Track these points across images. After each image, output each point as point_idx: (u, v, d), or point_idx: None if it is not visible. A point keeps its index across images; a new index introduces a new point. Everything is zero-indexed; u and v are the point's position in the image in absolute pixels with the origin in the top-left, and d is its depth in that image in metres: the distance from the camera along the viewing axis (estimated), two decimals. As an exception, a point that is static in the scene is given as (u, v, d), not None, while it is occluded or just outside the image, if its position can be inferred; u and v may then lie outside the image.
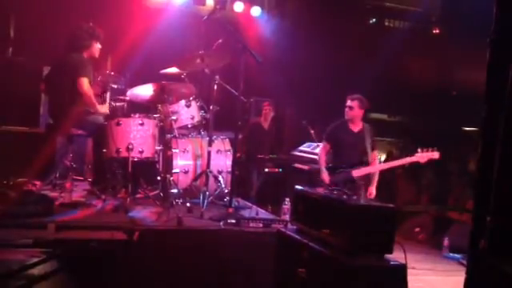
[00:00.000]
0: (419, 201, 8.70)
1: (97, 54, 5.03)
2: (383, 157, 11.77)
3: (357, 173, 5.33)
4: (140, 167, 4.79)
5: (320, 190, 3.67)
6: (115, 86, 5.24)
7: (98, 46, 4.99)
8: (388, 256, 2.89)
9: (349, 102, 5.55)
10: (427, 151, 5.28)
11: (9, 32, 7.10)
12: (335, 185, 5.03)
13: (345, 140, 5.53)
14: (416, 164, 5.60)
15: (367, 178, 5.37)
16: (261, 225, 4.00)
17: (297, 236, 3.37)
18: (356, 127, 5.57)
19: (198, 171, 4.93)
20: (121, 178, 4.80)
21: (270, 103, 7.59)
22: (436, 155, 5.26)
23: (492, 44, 1.90)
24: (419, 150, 5.32)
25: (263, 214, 4.71)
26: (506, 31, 1.86)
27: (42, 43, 6.57)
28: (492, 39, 1.89)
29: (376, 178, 5.43)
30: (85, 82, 4.69)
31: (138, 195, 4.84)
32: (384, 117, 11.58)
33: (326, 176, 5.47)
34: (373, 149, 5.50)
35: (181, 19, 7.74)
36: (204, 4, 8.18)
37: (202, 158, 4.96)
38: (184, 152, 4.98)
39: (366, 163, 5.41)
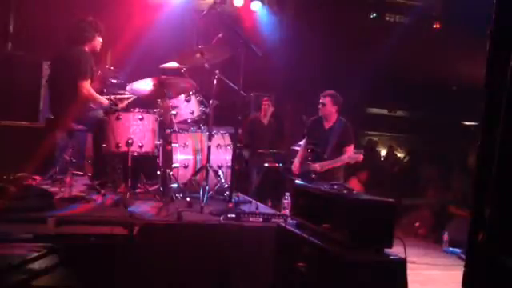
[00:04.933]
0: (425, 195, 8.70)
1: (98, 48, 5.04)
2: (384, 151, 11.81)
3: (314, 167, 5.51)
4: (140, 162, 4.79)
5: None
6: (115, 81, 5.23)
7: (99, 40, 5.00)
8: (388, 250, 2.89)
9: (321, 99, 5.69)
10: (355, 153, 5.41)
11: (8, 27, 7.09)
12: (300, 176, 5.66)
13: (315, 136, 5.76)
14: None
15: (331, 173, 5.45)
16: (261, 219, 4.00)
17: (297, 230, 3.37)
18: (328, 124, 5.69)
19: (198, 166, 4.93)
20: (120, 172, 4.80)
21: (270, 98, 7.58)
22: (360, 157, 5.39)
23: (492, 35, 1.89)
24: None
25: (263, 208, 4.71)
26: (506, 22, 1.85)
27: (41, 38, 6.57)
28: (492, 30, 1.88)
29: (333, 165, 5.47)
30: (85, 86, 4.73)
31: (138, 190, 4.85)
32: (384, 111, 11.59)
33: (294, 167, 5.88)
34: (344, 145, 5.52)
35: (181, 13, 7.72)
36: (204, -2, 8.14)
37: (201, 153, 4.96)
38: (184, 147, 4.97)
39: (328, 159, 5.51)
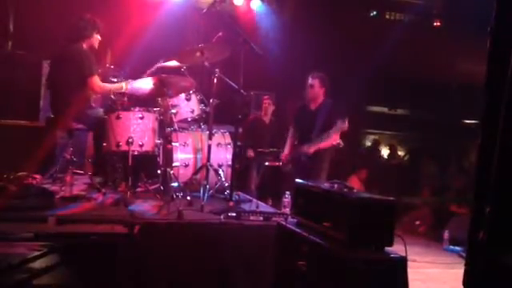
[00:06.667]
0: (420, 193, 8.72)
1: (96, 45, 5.03)
2: (384, 150, 11.81)
3: (302, 149, 5.48)
4: (140, 161, 4.78)
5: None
6: (115, 80, 5.23)
7: (97, 37, 5.00)
8: (388, 249, 2.89)
9: (310, 81, 5.64)
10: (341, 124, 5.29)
11: (8, 26, 7.08)
12: (290, 161, 5.68)
13: (301, 119, 5.75)
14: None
15: (319, 154, 5.41)
16: (261, 218, 4.00)
17: (297, 229, 3.37)
18: (314, 105, 5.64)
19: (199, 165, 4.92)
20: (121, 171, 4.80)
21: (270, 97, 7.57)
22: (337, 140, 5.34)
23: (492, 32, 1.88)
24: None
25: (263, 207, 4.71)
26: (507, 19, 1.84)
27: (41, 37, 6.55)
28: (492, 27, 1.88)
29: (322, 144, 5.36)
30: (96, 82, 4.74)
31: (139, 189, 4.84)
32: (384, 110, 11.58)
33: (283, 154, 5.86)
34: (332, 125, 5.30)
35: (180, 12, 7.71)
36: (203, -4, 8.13)
37: (202, 152, 4.96)
38: (184, 145, 4.97)
39: (317, 139, 5.40)
